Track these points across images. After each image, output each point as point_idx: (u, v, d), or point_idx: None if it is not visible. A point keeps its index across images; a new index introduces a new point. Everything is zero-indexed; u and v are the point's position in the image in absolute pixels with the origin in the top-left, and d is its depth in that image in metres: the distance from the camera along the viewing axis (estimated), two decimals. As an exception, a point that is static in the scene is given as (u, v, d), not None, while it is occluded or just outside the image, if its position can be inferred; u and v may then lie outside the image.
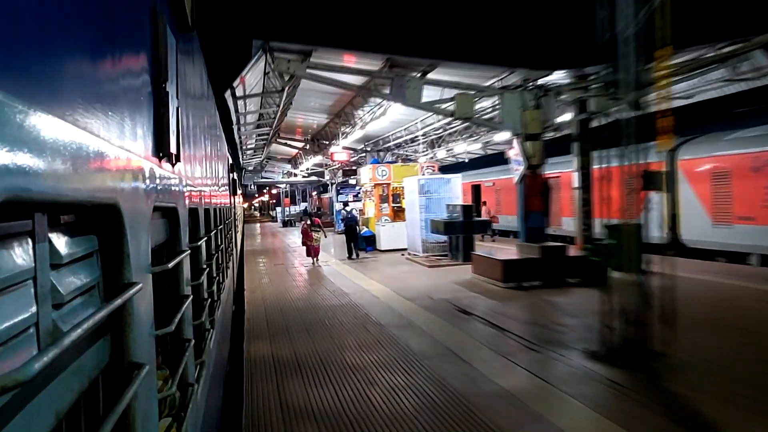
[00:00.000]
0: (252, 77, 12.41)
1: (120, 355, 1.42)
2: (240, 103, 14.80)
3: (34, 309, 0.92)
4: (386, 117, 17.24)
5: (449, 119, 18.47)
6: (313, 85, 15.15)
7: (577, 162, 12.84)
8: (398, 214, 20.54)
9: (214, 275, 4.84)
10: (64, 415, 1.02)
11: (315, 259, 17.16)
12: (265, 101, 16.07)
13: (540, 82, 11.91)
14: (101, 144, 1.20)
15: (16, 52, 0.79)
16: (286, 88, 11.60)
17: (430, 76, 11.53)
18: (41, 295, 0.95)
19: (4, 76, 0.74)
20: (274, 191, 57.10)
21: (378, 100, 16.69)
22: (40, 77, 0.88)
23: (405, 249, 18.48)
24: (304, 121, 22.53)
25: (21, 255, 0.90)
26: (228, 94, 11.36)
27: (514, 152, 11.87)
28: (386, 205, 20.43)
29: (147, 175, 1.71)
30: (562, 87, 11.94)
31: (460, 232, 15.04)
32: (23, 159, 0.78)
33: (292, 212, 47.49)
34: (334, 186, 31.94)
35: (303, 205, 49.52)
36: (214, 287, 4.71)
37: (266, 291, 12.38)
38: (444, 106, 11.66)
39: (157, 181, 1.90)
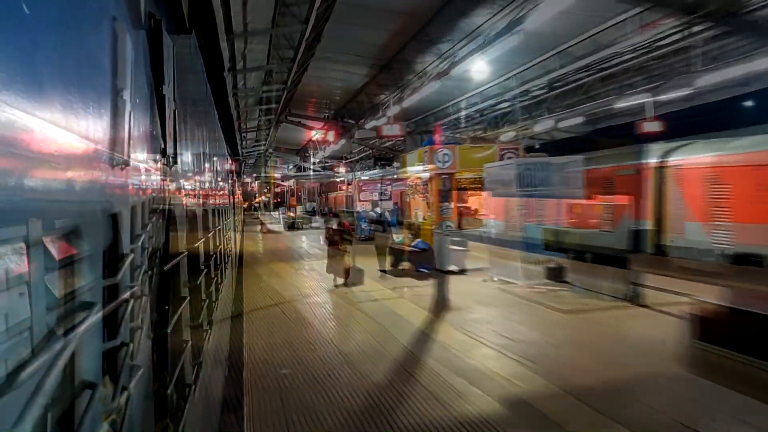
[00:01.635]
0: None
1: (115, 358, 1.37)
2: (238, 44, 8.58)
3: (27, 313, 0.91)
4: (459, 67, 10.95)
5: (568, 67, 12.15)
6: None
7: None
8: (464, 218, 14.35)
9: (212, 276, 4.75)
10: (57, 419, 1.01)
11: (345, 280, 11.76)
12: (276, 38, 9.81)
13: None
14: (97, 148, 1.18)
15: (10, 56, 0.76)
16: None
17: None
18: (35, 299, 0.94)
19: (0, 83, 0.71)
20: (277, 190, 51.47)
21: (470, 29, 10.28)
22: (34, 82, 0.85)
23: (478, 269, 12.43)
24: (322, 86, 16.23)
25: (15, 259, 0.88)
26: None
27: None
28: (448, 204, 14.18)
29: (144, 177, 1.70)
30: None
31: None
32: (18, 164, 0.77)
33: (298, 213, 42.32)
34: (356, 181, 25.77)
35: (310, 206, 44.67)
36: (212, 288, 4.63)
37: (288, 392, 6.05)
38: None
39: (155, 183, 1.87)
